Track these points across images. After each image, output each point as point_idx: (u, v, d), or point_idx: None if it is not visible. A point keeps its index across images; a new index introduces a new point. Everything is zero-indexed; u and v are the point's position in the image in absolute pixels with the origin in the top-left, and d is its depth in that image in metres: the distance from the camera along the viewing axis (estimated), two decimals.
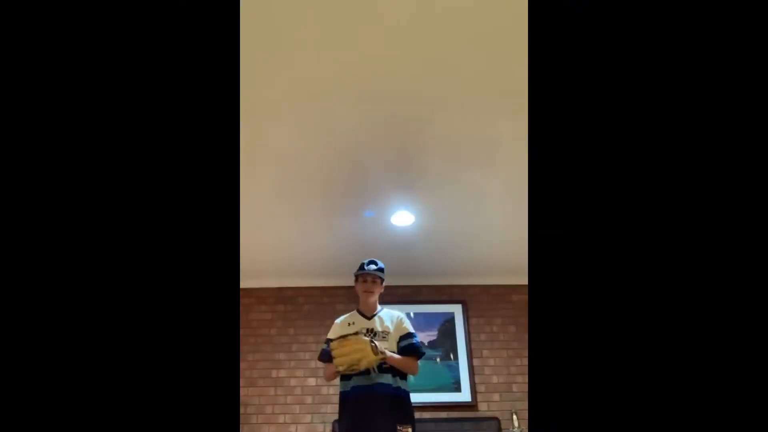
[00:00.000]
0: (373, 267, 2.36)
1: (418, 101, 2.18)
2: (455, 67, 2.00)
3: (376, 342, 2.12)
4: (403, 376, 2.25)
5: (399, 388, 2.20)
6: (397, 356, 2.20)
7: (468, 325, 3.88)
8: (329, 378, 2.34)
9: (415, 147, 2.50)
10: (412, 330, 2.34)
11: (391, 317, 2.36)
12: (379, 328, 2.29)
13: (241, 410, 3.59)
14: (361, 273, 2.37)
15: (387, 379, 2.17)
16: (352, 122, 2.31)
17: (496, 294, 4.03)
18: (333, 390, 3.68)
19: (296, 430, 3.56)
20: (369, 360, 2.08)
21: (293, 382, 3.70)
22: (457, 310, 3.94)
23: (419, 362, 2.31)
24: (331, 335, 2.36)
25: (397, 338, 2.28)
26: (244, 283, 4.00)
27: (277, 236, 3.36)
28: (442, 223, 3.25)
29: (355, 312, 2.41)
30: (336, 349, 2.09)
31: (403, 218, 3.18)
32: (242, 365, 3.74)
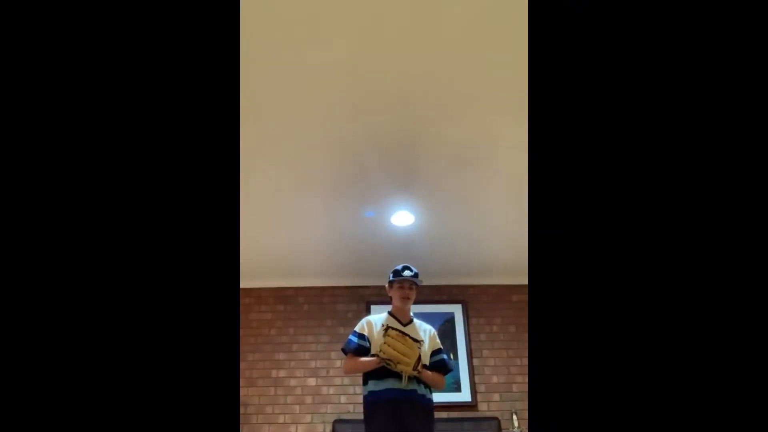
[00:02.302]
0: (409, 273, 2.34)
1: (418, 101, 2.18)
2: (456, 67, 2.01)
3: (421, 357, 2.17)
4: (426, 385, 2.28)
5: (431, 399, 2.25)
6: (429, 373, 2.24)
7: (468, 325, 3.88)
8: (350, 371, 2.32)
9: (415, 147, 2.50)
10: (441, 347, 2.40)
11: (425, 329, 2.39)
12: (416, 336, 2.30)
13: (241, 410, 3.59)
14: (399, 279, 2.34)
15: (421, 388, 2.21)
16: (352, 122, 2.31)
17: (496, 294, 4.03)
18: (333, 390, 3.68)
19: (296, 430, 3.56)
20: (407, 369, 2.13)
21: (293, 382, 3.70)
22: (457, 310, 3.94)
23: None
24: (364, 331, 2.32)
25: (430, 352, 2.32)
26: (244, 283, 4.00)
27: (277, 236, 3.36)
28: (442, 223, 3.25)
29: (389, 315, 2.38)
30: (391, 338, 2.13)
31: (403, 218, 3.19)
32: (242, 365, 3.74)
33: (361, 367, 2.24)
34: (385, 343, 2.14)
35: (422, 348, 2.27)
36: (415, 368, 2.13)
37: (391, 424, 2.10)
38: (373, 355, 2.22)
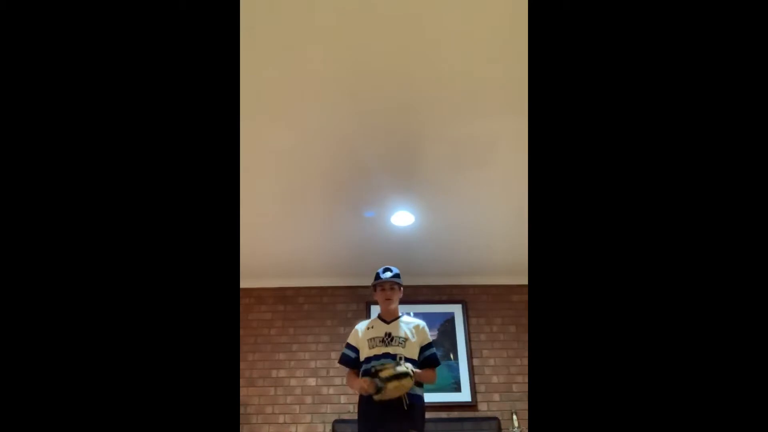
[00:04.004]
0: (389, 274, 2.43)
1: (418, 101, 2.18)
2: (455, 67, 2.00)
3: (408, 366, 2.17)
4: (419, 383, 2.30)
5: (414, 395, 2.26)
6: (421, 372, 2.27)
7: (468, 325, 3.88)
8: (353, 388, 2.42)
9: (415, 147, 2.49)
10: (431, 339, 2.45)
11: (412, 325, 2.43)
12: (399, 333, 2.36)
13: (241, 410, 3.59)
14: (379, 282, 2.44)
15: (413, 388, 2.22)
16: (352, 122, 2.31)
17: (496, 294, 4.03)
18: (333, 390, 3.68)
19: (296, 430, 3.56)
20: (403, 388, 2.14)
21: (293, 382, 3.70)
22: (457, 310, 3.94)
23: None
24: (352, 341, 2.45)
25: (418, 347, 2.37)
26: (244, 283, 4.00)
27: (277, 236, 3.36)
28: (442, 223, 3.25)
29: (376, 317, 2.50)
30: (388, 390, 2.12)
31: (403, 218, 3.18)
32: (242, 365, 3.74)
33: (354, 387, 2.37)
34: (381, 389, 2.13)
35: (405, 344, 2.32)
36: (412, 377, 2.14)
37: (383, 421, 2.17)
38: (366, 371, 2.29)
